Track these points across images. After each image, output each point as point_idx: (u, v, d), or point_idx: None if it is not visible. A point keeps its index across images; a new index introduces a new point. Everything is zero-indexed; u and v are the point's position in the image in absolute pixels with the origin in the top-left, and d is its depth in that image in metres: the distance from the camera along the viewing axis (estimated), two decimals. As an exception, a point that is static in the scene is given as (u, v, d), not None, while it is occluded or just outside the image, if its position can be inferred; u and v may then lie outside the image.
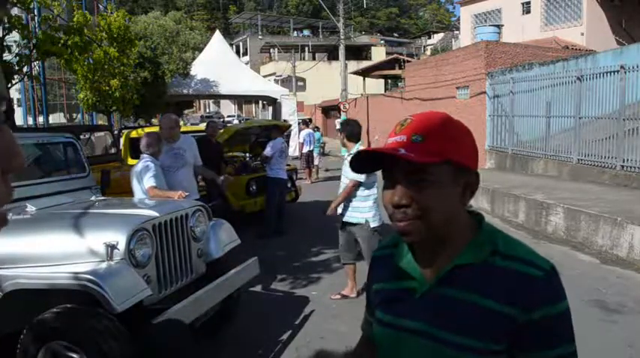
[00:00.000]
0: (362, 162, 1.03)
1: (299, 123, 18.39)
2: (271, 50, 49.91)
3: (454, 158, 0.96)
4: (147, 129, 8.93)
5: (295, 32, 56.49)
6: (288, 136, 17.05)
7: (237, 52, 45.32)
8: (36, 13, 9.59)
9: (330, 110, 32.69)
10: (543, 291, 0.95)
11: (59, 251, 3.07)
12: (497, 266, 0.98)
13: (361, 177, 4.73)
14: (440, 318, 0.98)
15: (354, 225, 4.91)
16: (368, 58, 45.82)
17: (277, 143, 7.93)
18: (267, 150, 7.83)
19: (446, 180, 0.96)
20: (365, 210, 4.85)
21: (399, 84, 29.12)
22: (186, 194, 4.44)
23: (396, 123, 1.03)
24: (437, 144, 0.95)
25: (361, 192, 4.84)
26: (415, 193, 0.96)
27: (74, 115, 24.07)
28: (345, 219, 4.96)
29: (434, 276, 1.02)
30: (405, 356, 1.03)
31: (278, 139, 8.03)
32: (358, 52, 46.93)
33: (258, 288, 5.41)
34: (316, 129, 17.52)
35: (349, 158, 4.53)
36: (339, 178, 5.22)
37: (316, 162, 15.08)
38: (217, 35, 22.31)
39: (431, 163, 0.94)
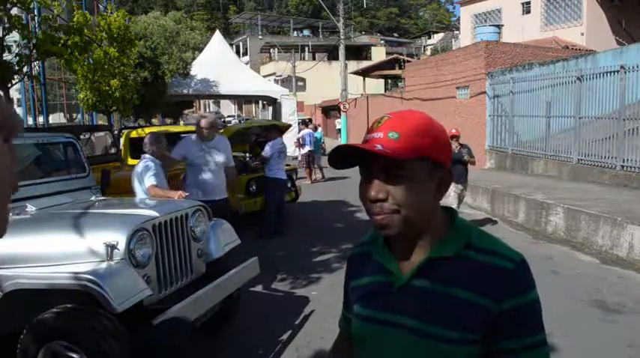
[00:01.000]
0: (340, 159, 1.05)
1: (299, 124, 18.38)
2: (271, 50, 49.88)
3: (429, 155, 1.00)
4: (147, 129, 8.95)
5: (295, 32, 56.47)
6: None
7: (237, 52, 45.31)
8: (36, 13, 9.58)
9: (330, 110, 32.67)
10: (514, 282, 0.99)
11: (59, 251, 3.07)
12: (470, 258, 1.02)
13: None
14: (417, 310, 1.02)
15: None
16: (368, 58, 45.79)
17: (276, 143, 7.93)
18: (266, 151, 7.84)
19: (421, 176, 1.00)
20: None
21: (399, 84, 29.12)
22: (186, 194, 4.48)
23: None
24: (412, 141, 0.98)
25: None
26: (391, 188, 0.99)
27: (74, 115, 24.06)
28: None
29: (410, 270, 1.05)
30: (384, 348, 1.06)
31: (277, 140, 8.03)
32: (358, 52, 46.91)
33: (258, 288, 5.41)
34: (318, 127, 17.54)
35: None
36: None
37: (319, 162, 15.07)
38: (217, 35, 22.32)
39: (407, 159, 0.97)
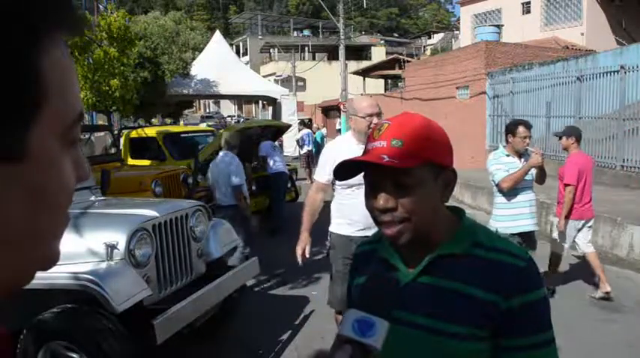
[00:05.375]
0: (343, 171, 1.06)
1: (298, 124, 18.40)
2: (271, 50, 49.85)
3: (433, 158, 1.01)
4: (147, 129, 8.95)
5: (295, 32, 56.45)
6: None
7: (237, 52, 45.26)
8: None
9: (330, 110, 32.66)
10: (523, 279, 1.01)
11: (59, 251, 3.07)
12: (479, 256, 1.03)
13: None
14: (425, 307, 1.02)
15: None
16: (368, 58, 45.75)
17: (265, 146, 8.26)
18: (262, 152, 8.27)
19: (427, 180, 1.01)
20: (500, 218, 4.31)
21: (399, 84, 29.10)
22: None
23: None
24: (416, 147, 0.99)
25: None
26: (400, 196, 1.00)
27: (74, 115, 24.02)
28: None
29: (417, 267, 1.06)
30: (391, 345, 1.05)
31: (267, 142, 8.29)
32: (358, 52, 46.87)
33: (258, 288, 5.41)
34: (320, 128, 17.58)
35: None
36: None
37: None
38: (217, 35, 22.28)
39: (413, 167, 0.97)
